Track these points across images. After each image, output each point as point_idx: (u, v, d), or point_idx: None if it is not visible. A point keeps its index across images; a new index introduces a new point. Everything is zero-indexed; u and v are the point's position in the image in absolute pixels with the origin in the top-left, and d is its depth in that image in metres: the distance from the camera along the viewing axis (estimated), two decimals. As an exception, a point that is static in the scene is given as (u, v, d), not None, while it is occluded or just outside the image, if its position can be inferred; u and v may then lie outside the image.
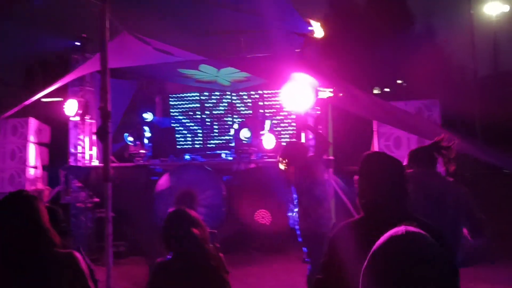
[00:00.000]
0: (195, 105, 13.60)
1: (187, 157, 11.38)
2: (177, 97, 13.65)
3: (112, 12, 6.18)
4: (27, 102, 9.83)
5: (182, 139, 13.58)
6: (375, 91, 24.77)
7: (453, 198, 4.19)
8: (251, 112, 13.01)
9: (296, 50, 9.40)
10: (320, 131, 7.30)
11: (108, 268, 5.70)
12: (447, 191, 4.31)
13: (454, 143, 4.60)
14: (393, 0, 25.60)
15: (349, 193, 9.18)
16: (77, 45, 11.19)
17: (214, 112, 13.49)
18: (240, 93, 13.12)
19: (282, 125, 12.88)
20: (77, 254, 2.92)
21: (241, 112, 13.26)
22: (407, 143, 9.54)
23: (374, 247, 1.50)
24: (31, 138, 11.71)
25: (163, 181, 10.20)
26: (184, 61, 9.77)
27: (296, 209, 6.28)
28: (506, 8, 23.11)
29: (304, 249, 6.10)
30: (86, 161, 11.40)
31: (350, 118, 10.83)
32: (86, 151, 11.42)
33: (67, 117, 11.20)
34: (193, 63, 10.17)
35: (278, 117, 12.89)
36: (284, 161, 6.30)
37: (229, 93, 13.18)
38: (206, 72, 11.14)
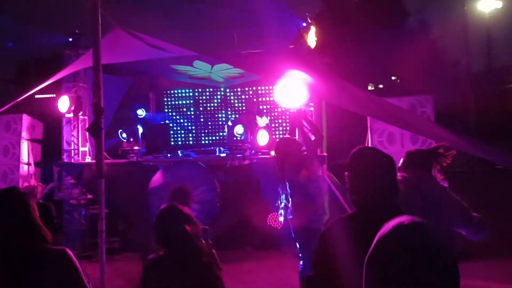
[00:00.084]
0: (189, 101, 13.57)
1: (180, 153, 11.36)
2: (171, 93, 13.61)
3: (104, 7, 6.15)
4: (20, 99, 9.79)
5: (176, 136, 13.56)
6: (369, 88, 24.81)
7: (448, 203, 4.23)
8: (244, 108, 13.00)
9: (290, 46, 9.39)
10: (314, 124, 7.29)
11: (102, 264, 5.68)
12: (442, 196, 4.37)
13: (452, 153, 4.66)
14: (387, -4, 25.61)
15: (343, 189, 9.20)
16: (70, 41, 11.15)
17: (208, 108, 13.47)
18: (235, 89, 13.09)
19: (278, 121, 12.86)
20: (69, 251, 2.91)
21: (236, 107, 13.23)
22: (401, 139, 9.56)
23: (379, 235, 1.50)
24: (24, 134, 11.66)
25: (157, 178, 10.18)
26: (177, 57, 9.74)
27: (282, 204, 6.28)
28: (499, 4, 23.17)
29: (297, 244, 6.11)
30: (79, 158, 11.37)
31: (344, 115, 10.83)
32: (79, 147, 11.38)
33: (60, 114, 11.16)
34: (187, 59, 10.14)
35: (274, 113, 12.86)
36: (276, 160, 6.31)
37: (222, 89, 13.16)
38: (199, 68, 11.11)
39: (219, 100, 13.37)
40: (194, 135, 13.54)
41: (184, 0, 7.50)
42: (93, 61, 5.91)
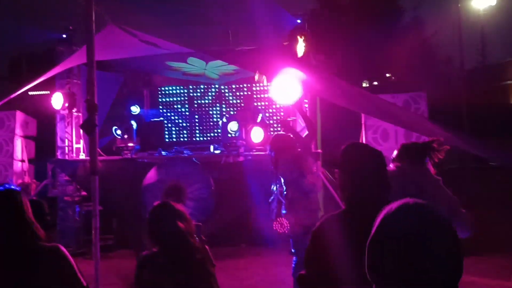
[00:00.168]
0: (183, 98, 13.55)
1: (175, 150, 11.35)
2: (165, 90, 13.58)
3: (98, 4, 6.13)
4: (14, 95, 9.75)
5: (170, 132, 13.54)
6: (364, 84, 24.85)
7: (441, 197, 4.26)
8: (241, 104, 12.99)
9: (284, 43, 9.39)
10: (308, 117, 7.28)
11: (96, 261, 5.67)
12: (436, 189, 4.40)
13: (445, 148, 4.70)
14: (381, -7, 25.63)
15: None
16: (63, 37, 11.11)
17: (202, 105, 13.45)
18: (231, 85, 13.08)
19: (274, 118, 12.84)
20: (62, 247, 2.91)
21: (232, 103, 13.22)
22: (395, 136, 9.60)
23: (382, 215, 1.49)
24: (17, 131, 11.62)
25: (151, 175, 10.17)
26: (172, 54, 9.73)
27: (276, 200, 6.29)
28: (493, 1, 23.23)
29: (291, 240, 6.12)
30: (73, 155, 11.34)
31: (338, 111, 10.84)
32: (73, 144, 11.36)
33: (54, 110, 11.13)
34: (181, 56, 10.13)
35: (271, 110, 12.85)
36: (271, 156, 6.32)
37: (217, 85, 13.14)
38: (194, 65, 11.11)
39: (213, 97, 13.35)
40: (188, 132, 13.53)
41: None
42: (87, 58, 5.89)
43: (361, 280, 2.29)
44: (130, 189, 10.19)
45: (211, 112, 13.39)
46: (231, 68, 11.01)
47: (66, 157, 11.24)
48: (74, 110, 11.25)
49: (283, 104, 10.69)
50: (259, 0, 6.74)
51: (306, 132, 6.72)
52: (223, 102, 13.28)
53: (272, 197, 6.41)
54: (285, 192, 6.18)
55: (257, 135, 10.35)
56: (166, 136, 13.34)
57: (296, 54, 8.93)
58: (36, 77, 9.74)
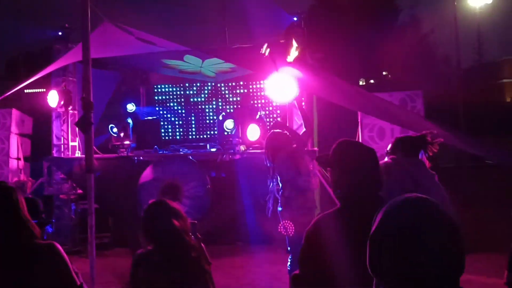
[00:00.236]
0: (179, 96, 13.52)
1: (171, 148, 11.33)
2: (162, 88, 13.56)
3: (94, 1, 6.12)
4: (10, 93, 9.73)
5: (167, 130, 13.52)
6: (360, 83, 24.89)
7: (435, 191, 4.28)
8: (239, 101, 12.96)
9: (281, 41, 9.38)
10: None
11: (92, 259, 5.67)
12: (431, 183, 4.42)
13: (439, 140, 4.71)
14: (378, -8, 25.66)
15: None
16: (59, 35, 11.08)
17: (199, 103, 13.43)
18: (229, 83, 13.05)
19: (272, 116, 12.80)
20: (58, 245, 2.90)
21: (229, 101, 13.19)
22: (391, 134, 9.59)
23: (381, 213, 1.48)
24: (13, 129, 11.59)
25: (147, 173, 10.16)
26: (168, 52, 9.71)
27: (272, 198, 6.29)
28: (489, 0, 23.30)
29: (286, 238, 6.12)
30: (69, 153, 11.31)
31: (334, 109, 10.85)
32: (69, 142, 11.33)
33: (50, 108, 11.10)
34: (178, 53, 10.10)
35: (270, 108, 12.81)
36: (267, 155, 6.32)
37: (213, 83, 13.11)
38: (190, 62, 11.07)
39: (210, 94, 13.32)
40: (184, 130, 13.51)
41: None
42: (82, 55, 5.88)
43: (358, 279, 2.29)
44: (126, 187, 10.18)
45: (207, 110, 13.37)
46: (228, 66, 10.98)
47: (62, 155, 11.21)
48: (70, 108, 11.22)
49: (280, 102, 10.69)
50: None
51: (303, 130, 6.73)
52: (219, 98, 13.25)
53: (268, 195, 6.41)
54: (281, 190, 6.18)
55: (253, 133, 10.33)
56: (163, 134, 13.31)
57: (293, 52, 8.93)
58: (32, 74, 9.72)
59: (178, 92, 13.46)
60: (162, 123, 13.30)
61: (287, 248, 6.19)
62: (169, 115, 13.50)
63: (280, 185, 6.18)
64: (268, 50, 6.84)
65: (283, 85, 7.64)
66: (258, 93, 12.85)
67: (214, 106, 13.27)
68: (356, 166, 2.59)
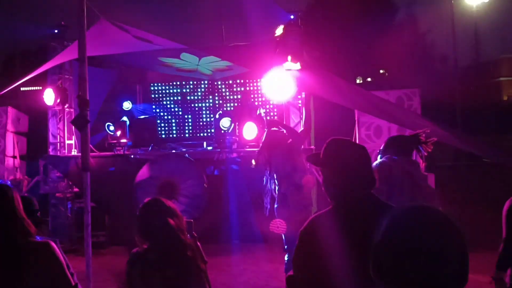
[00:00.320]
0: (176, 94, 13.49)
1: (167, 146, 11.31)
2: (158, 86, 13.52)
3: (90, -1, 6.10)
4: (5, 91, 9.70)
5: (163, 129, 13.49)
6: (358, 81, 24.90)
7: (430, 194, 4.31)
8: (237, 99, 12.94)
9: (277, 39, 9.36)
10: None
11: (88, 258, 5.66)
12: (427, 184, 4.45)
13: (432, 140, 4.72)
14: (375, -10, 25.66)
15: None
16: (55, 33, 11.04)
17: (196, 101, 13.40)
18: (227, 81, 13.02)
19: (271, 114, 12.77)
20: (53, 244, 2.89)
21: (227, 98, 13.16)
22: (388, 133, 9.58)
23: (390, 219, 1.46)
24: (9, 127, 11.55)
25: (144, 171, 10.13)
26: (164, 50, 9.68)
27: (269, 196, 6.31)
28: (486, -2, 23.33)
29: (283, 236, 6.13)
30: (65, 151, 11.29)
31: (331, 108, 10.85)
32: (65, 140, 11.30)
33: (46, 106, 11.07)
34: (174, 51, 10.07)
35: (269, 106, 12.78)
36: (263, 154, 6.32)
37: (210, 81, 13.08)
38: (187, 60, 11.05)
39: (206, 91, 13.29)
40: (181, 128, 13.48)
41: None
42: (78, 53, 5.86)
43: (353, 279, 2.28)
44: (123, 186, 10.16)
45: (204, 108, 13.34)
46: (224, 64, 10.96)
47: (58, 154, 11.18)
48: (66, 106, 11.19)
49: (277, 101, 10.68)
50: None
51: (301, 129, 6.74)
52: (217, 96, 13.22)
53: (265, 193, 6.41)
54: (277, 187, 6.19)
55: (249, 131, 10.29)
56: (159, 132, 13.29)
57: (289, 49, 8.91)
58: (28, 72, 9.69)
59: (175, 90, 13.43)
60: (158, 121, 13.27)
61: (284, 247, 6.20)
62: (165, 113, 13.47)
63: (277, 182, 6.19)
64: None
65: (279, 83, 7.64)
66: (257, 91, 12.82)
67: (211, 104, 13.25)
68: (348, 165, 2.55)
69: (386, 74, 25.39)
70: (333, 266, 2.35)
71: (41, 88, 11.38)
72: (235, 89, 13.08)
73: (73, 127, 10.78)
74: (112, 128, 11.09)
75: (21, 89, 11.91)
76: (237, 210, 10.04)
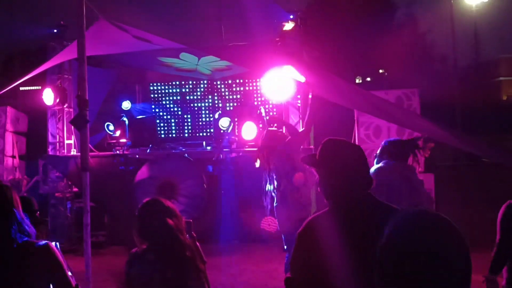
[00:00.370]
0: (175, 94, 13.48)
1: (167, 146, 11.30)
2: (158, 85, 13.51)
3: (89, -2, 6.09)
4: (4, 91, 9.69)
5: (163, 129, 13.48)
6: (357, 80, 24.90)
7: (426, 196, 4.34)
8: (237, 98, 12.93)
9: (277, 39, 9.37)
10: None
11: (87, 258, 5.65)
12: (423, 189, 4.48)
13: (430, 145, 4.74)
14: (375, -10, 25.66)
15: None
16: (55, 32, 11.04)
17: (195, 101, 13.40)
18: (227, 81, 13.01)
19: (271, 113, 12.74)
20: (52, 245, 2.88)
21: (227, 98, 13.15)
22: (387, 133, 9.59)
23: (395, 223, 1.46)
24: (8, 127, 11.55)
25: (143, 171, 10.13)
26: (164, 49, 9.67)
27: (269, 196, 6.31)
28: (485, -2, 23.32)
29: (283, 236, 6.13)
30: (64, 151, 11.28)
31: (331, 108, 10.83)
32: (65, 140, 11.30)
33: (45, 106, 11.06)
34: (173, 51, 10.07)
35: (269, 105, 12.76)
36: (262, 154, 6.32)
37: (209, 81, 13.07)
38: (186, 60, 11.04)
39: (206, 91, 13.29)
40: (181, 128, 13.47)
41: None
42: (78, 53, 5.85)
43: (354, 280, 2.26)
44: (122, 185, 10.16)
45: (203, 108, 13.33)
46: (224, 63, 10.95)
47: (58, 153, 11.17)
48: (65, 106, 11.19)
49: (276, 101, 10.67)
50: None
51: (302, 129, 6.73)
52: (216, 96, 13.21)
53: (264, 193, 6.41)
54: (277, 186, 6.19)
55: (249, 131, 10.28)
56: (159, 132, 13.28)
57: (288, 50, 8.92)
58: (27, 72, 9.67)
59: (174, 90, 13.42)
60: (158, 121, 13.26)
61: (284, 247, 6.20)
62: (165, 113, 13.47)
63: (276, 182, 6.19)
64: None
65: (279, 83, 7.64)
66: (257, 91, 12.80)
67: (210, 104, 13.24)
68: (345, 165, 2.52)
69: (386, 74, 25.38)
70: (332, 267, 2.33)
71: (40, 88, 11.38)
72: (234, 89, 13.07)
73: (72, 126, 10.81)
74: (111, 128, 11.09)
75: (21, 88, 11.90)
76: (236, 210, 10.04)
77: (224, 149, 10.38)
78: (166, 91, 13.43)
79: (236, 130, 10.84)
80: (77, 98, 5.81)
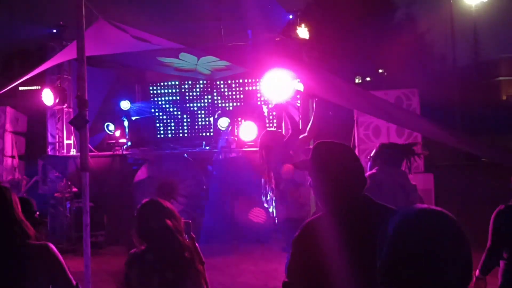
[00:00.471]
0: (175, 94, 13.49)
1: (166, 146, 11.31)
2: (157, 85, 13.51)
3: (88, -2, 6.09)
4: (4, 91, 9.68)
5: (162, 129, 13.48)
6: (356, 80, 24.91)
7: (419, 200, 4.36)
8: (236, 99, 12.94)
9: (276, 39, 9.37)
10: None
11: (86, 258, 5.64)
12: (417, 195, 4.52)
13: (425, 153, 4.76)
14: (374, -10, 25.65)
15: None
16: (54, 32, 11.04)
17: (194, 100, 13.40)
18: (228, 81, 13.01)
19: (273, 113, 12.73)
20: (52, 246, 2.88)
21: (227, 96, 13.15)
22: (387, 133, 9.59)
23: (397, 223, 1.47)
24: (7, 127, 11.55)
25: (143, 171, 10.13)
26: (163, 49, 9.67)
27: (268, 196, 6.31)
28: (485, -2, 23.33)
29: (282, 236, 6.14)
30: (64, 151, 11.28)
31: (330, 107, 10.83)
32: (64, 140, 11.30)
33: (45, 106, 11.06)
34: (173, 51, 10.07)
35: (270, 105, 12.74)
36: (261, 154, 6.33)
37: (208, 81, 13.07)
38: (185, 60, 11.04)
39: (202, 92, 13.29)
40: (180, 128, 13.48)
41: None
42: (77, 53, 5.84)
43: (354, 283, 2.25)
44: (121, 185, 10.16)
45: (203, 109, 13.33)
46: (223, 63, 10.95)
47: (57, 154, 11.17)
48: (64, 106, 11.19)
49: (275, 101, 10.66)
50: None
51: (305, 134, 6.73)
52: (215, 94, 13.21)
53: (264, 193, 6.41)
54: (276, 186, 6.19)
55: (247, 131, 10.25)
56: (158, 132, 13.28)
57: (288, 48, 8.92)
58: (26, 72, 9.67)
59: (174, 90, 13.42)
60: (157, 121, 13.27)
61: (283, 247, 6.20)
62: (164, 113, 13.47)
63: (275, 181, 6.20)
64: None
65: (278, 83, 7.64)
66: (257, 91, 12.80)
67: (210, 104, 13.24)
68: (339, 167, 2.49)
69: (385, 73, 25.38)
70: (331, 270, 2.31)
71: (40, 88, 11.38)
72: (234, 88, 13.07)
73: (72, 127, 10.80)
74: (111, 128, 11.09)
75: (20, 89, 11.89)
76: (235, 210, 10.03)
77: (224, 149, 10.38)
78: (166, 91, 13.43)
79: (236, 130, 10.84)
80: (77, 98, 5.80)
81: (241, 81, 12.91)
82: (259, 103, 12.46)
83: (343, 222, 2.40)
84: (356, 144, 9.83)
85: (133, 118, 12.08)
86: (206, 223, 9.52)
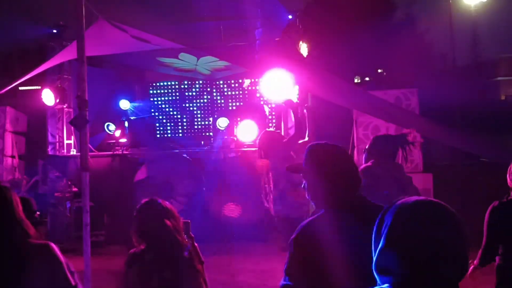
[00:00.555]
0: (175, 94, 13.50)
1: (166, 146, 11.32)
2: (157, 85, 13.53)
3: (88, -1, 6.10)
4: (4, 91, 9.70)
5: (162, 129, 13.50)
6: (356, 80, 24.89)
7: (415, 192, 4.37)
8: (237, 99, 12.94)
9: (276, 39, 9.38)
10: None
11: (86, 257, 5.65)
12: (412, 187, 4.52)
13: (419, 141, 4.77)
14: (374, -11, 25.63)
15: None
16: (54, 32, 11.05)
17: (194, 100, 13.41)
18: (228, 81, 13.02)
19: (273, 113, 12.73)
20: (53, 245, 2.89)
21: (228, 95, 13.16)
22: (386, 132, 9.60)
23: (396, 211, 1.50)
24: (8, 127, 11.56)
25: (142, 171, 10.14)
26: (163, 50, 9.69)
27: (267, 195, 6.33)
28: (484, -3, 23.30)
29: (281, 236, 6.15)
30: (64, 151, 11.30)
31: (329, 108, 10.85)
32: (64, 140, 11.31)
33: (45, 106, 11.07)
34: (172, 51, 10.09)
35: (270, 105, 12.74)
36: (260, 154, 6.35)
37: (208, 81, 13.08)
38: (185, 60, 11.07)
39: (202, 93, 13.30)
40: (180, 127, 13.49)
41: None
42: (77, 53, 5.85)
43: (355, 284, 2.26)
44: (121, 185, 10.17)
45: (203, 109, 13.34)
46: (222, 63, 10.97)
47: (57, 153, 11.19)
48: (65, 106, 11.20)
49: (274, 101, 10.67)
50: None
51: (306, 139, 6.74)
52: (215, 95, 13.22)
53: (263, 193, 6.43)
54: (275, 186, 6.21)
55: (247, 131, 10.21)
56: (158, 132, 13.29)
57: (288, 49, 8.92)
58: (26, 72, 9.69)
59: (174, 90, 13.44)
60: (157, 120, 13.28)
61: (282, 246, 6.22)
62: (164, 113, 13.48)
63: (274, 181, 6.22)
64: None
65: (278, 84, 7.65)
66: (257, 91, 12.80)
67: (210, 104, 13.25)
68: (334, 168, 2.50)
69: (384, 73, 25.37)
70: (331, 271, 2.31)
71: (40, 88, 11.40)
72: (233, 88, 13.09)
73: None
74: (111, 127, 11.11)
75: (20, 88, 11.90)
76: (235, 209, 10.03)
77: (224, 149, 10.39)
78: (165, 91, 13.45)
79: (235, 130, 10.85)
80: (77, 98, 5.81)
81: (240, 81, 12.92)
82: (262, 102, 12.47)
83: (341, 223, 2.41)
84: (355, 144, 9.85)
85: (133, 118, 12.09)
86: (204, 222, 9.52)
